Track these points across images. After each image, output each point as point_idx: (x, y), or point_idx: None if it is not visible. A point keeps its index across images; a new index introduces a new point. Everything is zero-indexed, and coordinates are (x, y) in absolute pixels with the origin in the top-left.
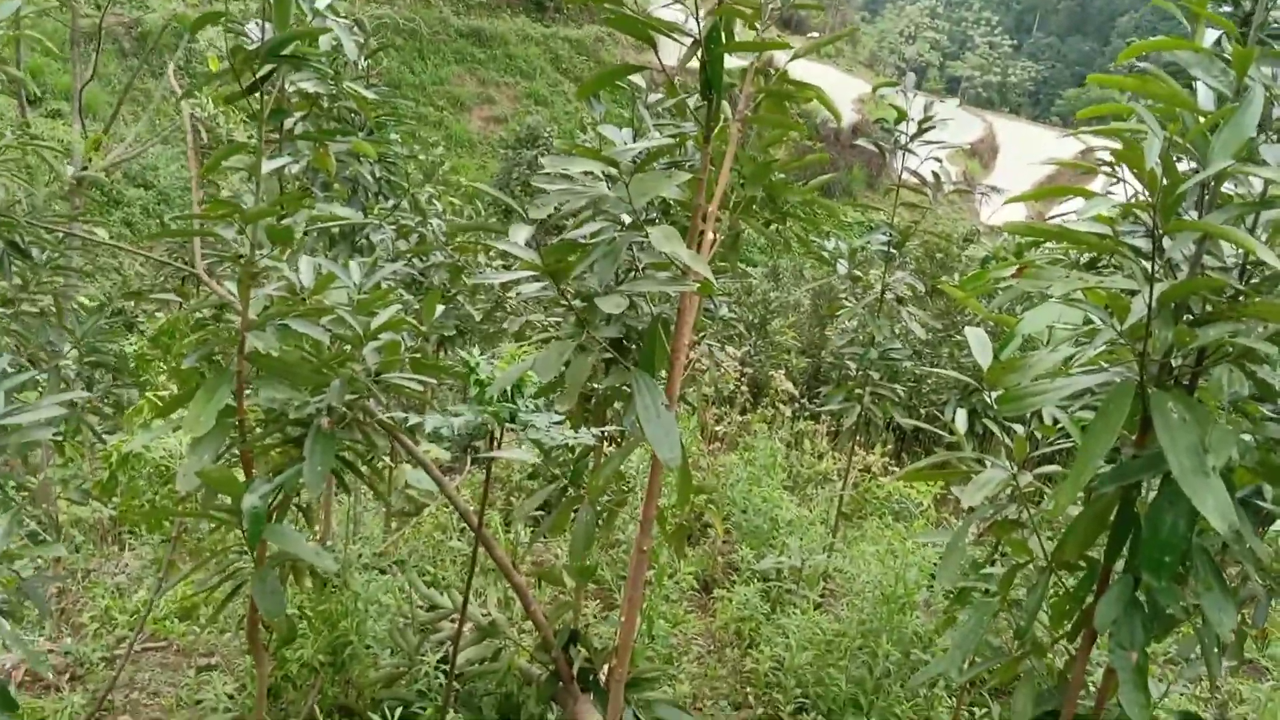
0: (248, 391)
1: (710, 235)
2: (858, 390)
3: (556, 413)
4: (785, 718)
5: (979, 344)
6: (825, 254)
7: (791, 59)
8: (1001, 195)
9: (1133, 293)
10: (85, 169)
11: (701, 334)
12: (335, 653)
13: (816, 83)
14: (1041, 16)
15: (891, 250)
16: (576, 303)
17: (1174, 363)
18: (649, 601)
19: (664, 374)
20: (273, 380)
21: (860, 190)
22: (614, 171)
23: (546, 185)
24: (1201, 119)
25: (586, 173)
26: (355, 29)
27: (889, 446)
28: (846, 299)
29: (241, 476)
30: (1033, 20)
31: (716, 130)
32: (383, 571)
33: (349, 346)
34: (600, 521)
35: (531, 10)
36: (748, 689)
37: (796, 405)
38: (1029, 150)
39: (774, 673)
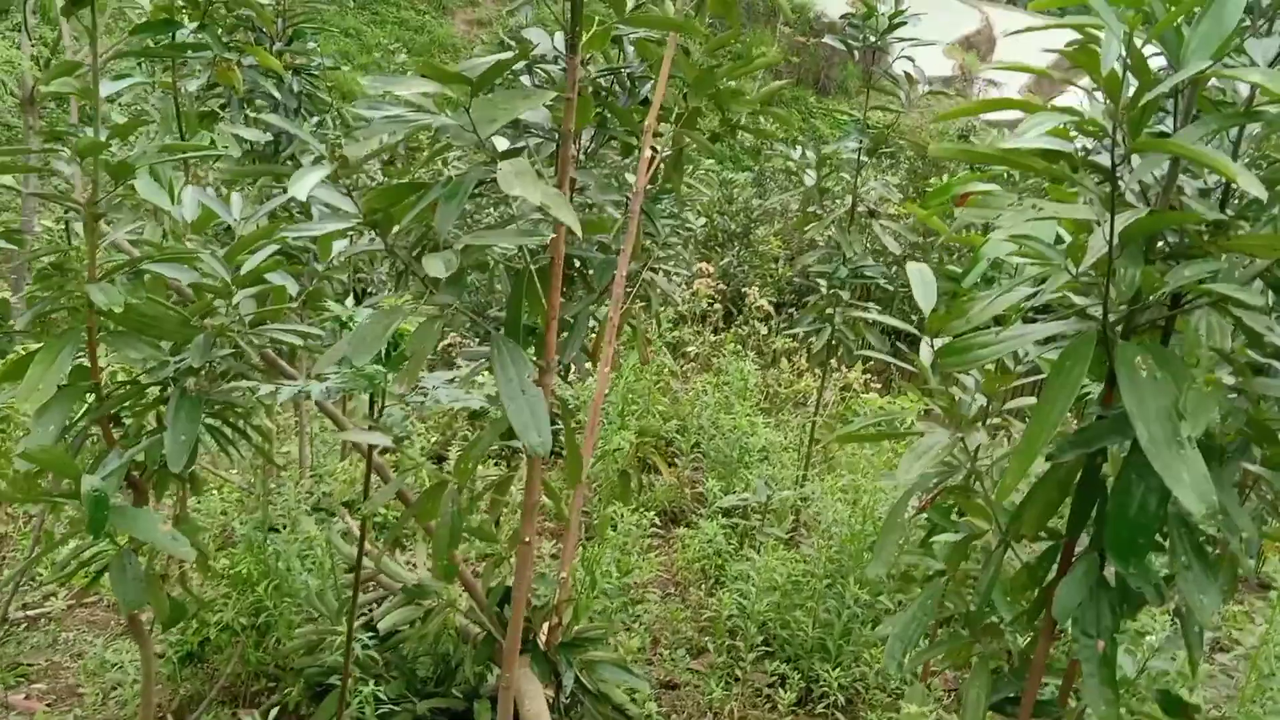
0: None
1: (648, 153)
2: (828, 311)
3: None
4: (747, 665)
5: (920, 283)
6: (792, 163)
7: None
8: (1000, 89)
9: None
10: (34, 89)
11: (644, 263)
12: (257, 614)
13: None
14: None
15: (862, 158)
16: (419, 262)
17: (1146, 302)
18: (593, 551)
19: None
20: (128, 337)
21: (857, 87)
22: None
23: (369, 113)
24: (1173, 8)
25: (429, 95)
26: None
27: (872, 362)
28: (817, 211)
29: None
30: None
31: (589, 38)
32: (331, 514)
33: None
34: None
35: None
36: (706, 637)
37: (775, 320)
38: (1026, 42)
39: (736, 617)
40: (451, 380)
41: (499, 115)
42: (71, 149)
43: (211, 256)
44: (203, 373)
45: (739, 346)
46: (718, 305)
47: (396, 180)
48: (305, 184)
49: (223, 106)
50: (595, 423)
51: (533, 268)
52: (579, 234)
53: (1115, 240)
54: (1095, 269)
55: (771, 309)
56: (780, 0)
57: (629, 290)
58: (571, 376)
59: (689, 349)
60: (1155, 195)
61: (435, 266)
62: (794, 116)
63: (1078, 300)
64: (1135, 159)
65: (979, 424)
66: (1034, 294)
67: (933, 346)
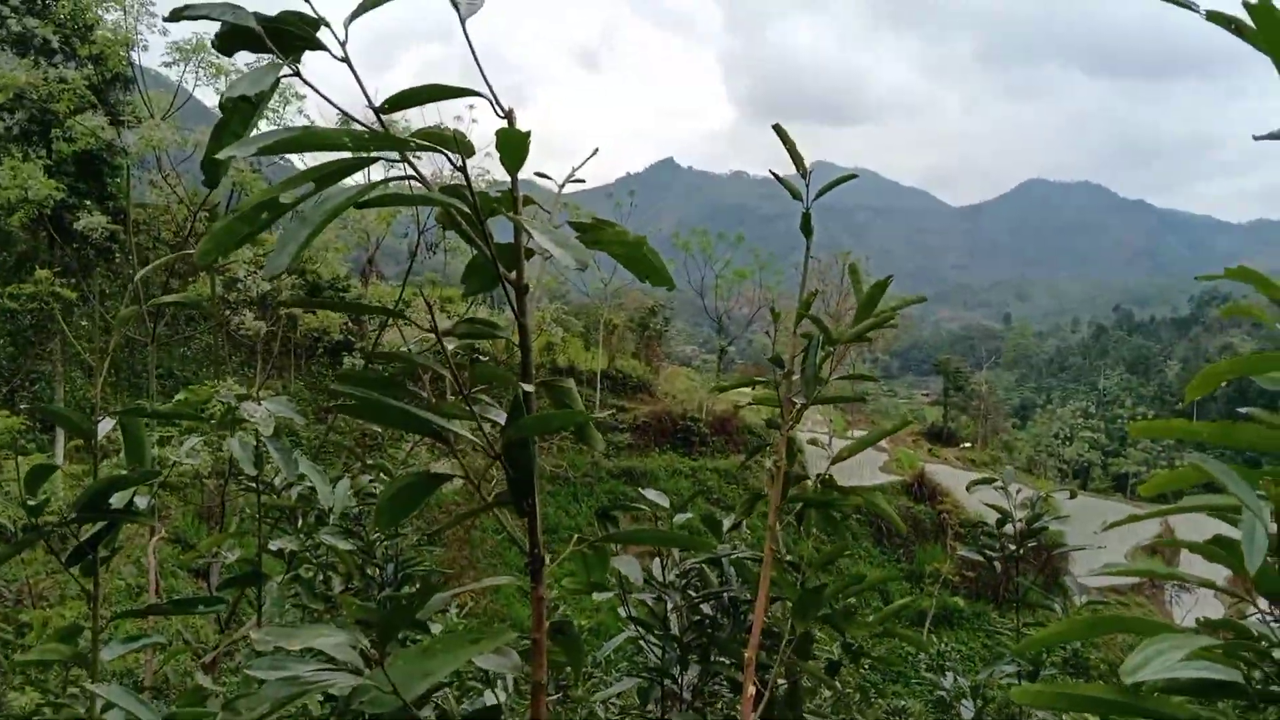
0: None
1: (750, 689)
2: None
3: None
4: None
5: None
6: (943, 693)
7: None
8: (1193, 593)
9: None
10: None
11: None
12: None
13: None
14: (1200, 403)
15: (1024, 683)
16: None
17: None
18: None
19: None
20: None
21: (1039, 596)
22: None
23: (263, 675)
24: None
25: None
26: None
27: None
28: None
29: None
30: (1192, 409)
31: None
32: None
33: None
34: None
35: (679, 446)
36: None
37: None
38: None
39: None
40: None
41: (434, 669)
42: None
43: None
44: None
45: None
46: None
47: None
48: None
49: None
50: None
51: None
52: None
53: None
54: None
55: None
56: (885, 512)
57: None
58: None
59: None
60: None
61: None
62: (926, 643)
63: None
64: None
65: None
66: None
67: None
